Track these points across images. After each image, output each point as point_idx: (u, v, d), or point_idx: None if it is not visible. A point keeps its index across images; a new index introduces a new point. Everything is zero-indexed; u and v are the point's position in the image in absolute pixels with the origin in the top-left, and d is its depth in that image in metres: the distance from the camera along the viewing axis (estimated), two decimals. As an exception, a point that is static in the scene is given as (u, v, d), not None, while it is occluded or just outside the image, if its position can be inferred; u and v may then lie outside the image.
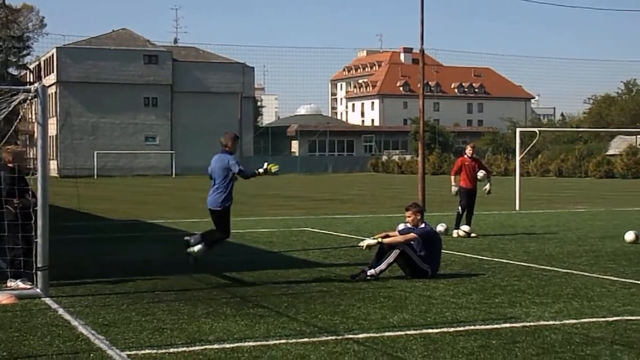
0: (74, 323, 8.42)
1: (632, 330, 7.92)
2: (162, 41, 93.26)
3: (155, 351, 7.21)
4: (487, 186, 18.12)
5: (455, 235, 17.28)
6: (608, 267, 12.43)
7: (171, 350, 7.24)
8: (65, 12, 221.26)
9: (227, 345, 7.38)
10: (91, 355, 7.10)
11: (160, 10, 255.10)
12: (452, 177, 18.00)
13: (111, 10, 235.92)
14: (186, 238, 11.47)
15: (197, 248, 11.02)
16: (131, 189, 47.16)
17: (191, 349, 7.29)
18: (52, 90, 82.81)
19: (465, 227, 17.32)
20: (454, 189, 17.85)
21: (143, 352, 7.19)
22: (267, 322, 8.42)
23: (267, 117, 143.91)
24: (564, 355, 6.97)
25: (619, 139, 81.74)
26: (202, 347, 7.33)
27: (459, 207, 17.69)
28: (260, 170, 11.28)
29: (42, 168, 10.06)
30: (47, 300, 9.69)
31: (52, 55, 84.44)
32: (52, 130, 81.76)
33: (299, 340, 7.56)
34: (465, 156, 17.93)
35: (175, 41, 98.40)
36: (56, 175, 78.46)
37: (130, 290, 10.48)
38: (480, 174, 17.81)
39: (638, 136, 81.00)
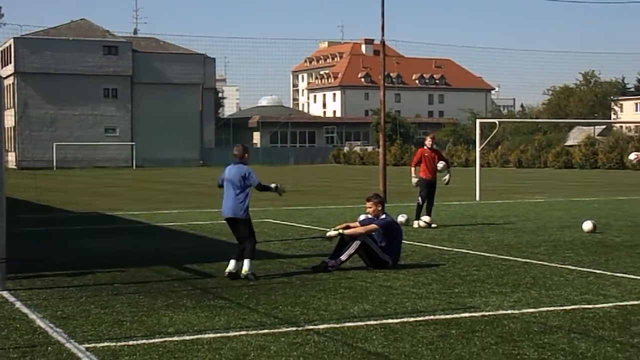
0: (32, 316, 8.33)
1: (588, 319, 8.02)
2: (122, 32, 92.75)
3: (114, 344, 7.15)
4: (447, 177, 18.22)
5: (416, 225, 17.36)
6: (566, 257, 12.56)
7: (130, 342, 7.19)
8: (22, 3, 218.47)
9: (187, 337, 7.34)
10: (49, 348, 7.03)
11: (120, 0, 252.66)
12: (412, 168, 18.07)
13: (69, 0, 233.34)
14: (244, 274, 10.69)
15: (247, 267, 10.66)
16: (91, 180, 46.73)
17: (151, 341, 7.24)
18: (9, 81, 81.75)
19: (426, 218, 17.41)
20: (414, 180, 17.92)
21: (102, 344, 7.14)
22: (227, 313, 8.39)
23: (229, 109, 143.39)
24: (522, 344, 7.03)
25: (577, 130, 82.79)
26: (162, 340, 7.28)
27: (419, 198, 17.78)
28: (273, 186, 11.54)
29: (-2, 160, 9.92)
30: (5, 294, 9.57)
31: (10, 45, 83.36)
32: (10, 121, 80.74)
33: (260, 332, 7.55)
34: (425, 147, 17.99)
35: (135, 32, 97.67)
36: (14, 167, 77.59)
37: (89, 282, 10.39)
38: (440, 165, 17.88)
39: (596, 127, 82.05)
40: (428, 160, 17.76)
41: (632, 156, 16.89)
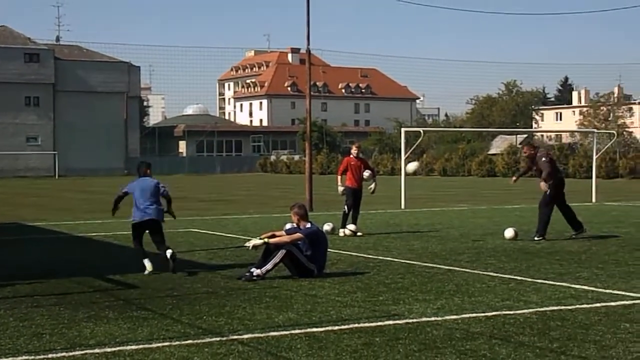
0: (-53, 330, 8.09)
1: (509, 325, 8.15)
2: (44, 39, 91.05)
3: (33, 357, 6.99)
4: (372, 186, 18.31)
5: (341, 234, 17.42)
6: (488, 264, 12.75)
7: (50, 355, 7.04)
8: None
9: (109, 350, 7.23)
10: (-35, 363, 6.84)
11: (42, 7, 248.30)
12: (339, 177, 18.12)
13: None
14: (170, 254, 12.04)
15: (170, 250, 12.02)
16: (12, 190, 45.74)
17: (71, 354, 7.11)
18: None
19: (351, 226, 17.49)
20: (340, 188, 17.97)
21: (20, 358, 6.97)
22: (150, 324, 8.29)
23: (154, 117, 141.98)
24: (444, 351, 7.10)
25: (500, 139, 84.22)
26: (83, 352, 7.15)
27: (345, 207, 17.85)
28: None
29: None
30: None
31: None
32: None
33: (183, 343, 7.47)
34: (352, 156, 18.07)
35: (58, 39, 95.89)
36: None
37: (8, 294, 10.14)
38: (366, 173, 17.98)
39: (518, 136, 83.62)
40: (354, 169, 17.84)
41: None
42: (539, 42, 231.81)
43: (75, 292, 10.35)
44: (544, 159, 16.51)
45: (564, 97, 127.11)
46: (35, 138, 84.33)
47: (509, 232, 16.29)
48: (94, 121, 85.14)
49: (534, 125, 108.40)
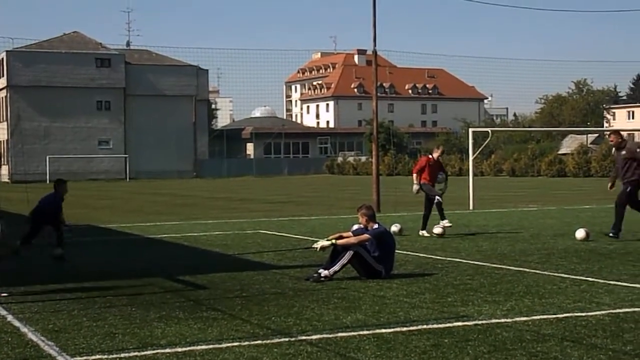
0: (24, 330, 8.29)
1: (581, 327, 8.02)
2: (115, 44, 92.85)
3: (106, 356, 7.13)
4: (442, 186, 18.06)
5: (440, 230, 17.06)
6: (559, 265, 12.57)
7: (122, 355, 7.17)
8: (13, 15, 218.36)
9: (179, 349, 7.32)
10: (41, 361, 7.00)
11: (112, 13, 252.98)
12: (414, 175, 17.89)
13: (62, 13, 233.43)
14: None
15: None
16: (84, 193, 46.66)
17: (143, 353, 7.22)
18: (2, 94, 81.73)
19: (445, 222, 17.21)
20: (415, 187, 17.77)
21: (94, 357, 7.11)
22: (220, 325, 8.37)
23: (222, 120, 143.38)
24: (515, 353, 7.02)
25: (570, 138, 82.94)
26: (154, 352, 7.26)
27: (437, 197, 17.42)
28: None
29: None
30: (-4, 307, 9.54)
31: (2, 58, 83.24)
32: (3, 135, 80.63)
33: (252, 343, 7.53)
34: (431, 157, 17.84)
35: (128, 44, 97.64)
36: (7, 180, 77.46)
37: (82, 295, 10.36)
38: (440, 176, 17.78)
39: (589, 135, 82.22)
40: (432, 169, 17.65)
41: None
42: (610, 40, 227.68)
43: (147, 293, 10.51)
44: (639, 149, 16.09)
45: (636, 96, 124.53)
46: (107, 141, 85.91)
47: (580, 233, 16.03)
48: (163, 124, 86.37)
49: (605, 124, 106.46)
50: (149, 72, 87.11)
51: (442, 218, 17.44)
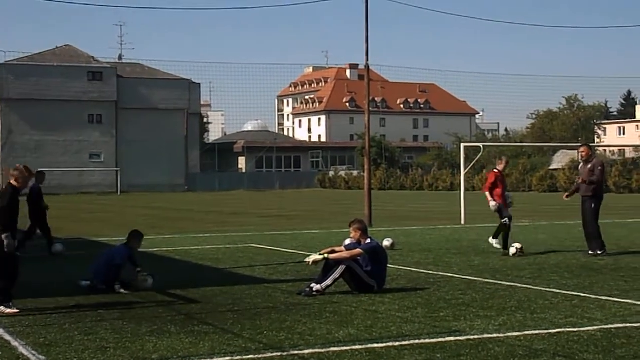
0: (14, 343, 8.26)
1: (573, 342, 8.03)
2: (107, 57, 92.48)
3: (97, 371, 7.10)
4: (509, 201, 17.35)
5: (511, 251, 16.41)
6: (551, 280, 12.59)
7: (114, 369, 7.14)
8: (6, 28, 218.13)
9: (171, 364, 7.31)
10: (32, 376, 6.97)
11: (105, 26, 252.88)
12: (487, 192, 17.07)
13: (54, 26, 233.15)
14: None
15: None
16: (76, 206, 46.56)
17: (134, 367, 7.20)
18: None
19: (517, 244, 16.56)
20: (494, 204, 16.91)
21: (85, 371, 7.09)
22: (212, 339, 8.35)
23: (214, 134, 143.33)
24: (507, 368, 7.02)
25: (561, 154, 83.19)
26: (146, 366, 7.24)
27: (506, 219, 16.86)
28: None
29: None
30: (-13, 321, 9.50)
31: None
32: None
33: (244, 357, 7.52)
34: (497, 170, 17.09)
35: (120, 57, 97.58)
36: (-2, 193, 77.10)
37: (73, 309, 10.33)
38: (509, 199, 17.23)
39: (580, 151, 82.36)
40: (502, 184, 16.98)
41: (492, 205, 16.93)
42: (600, 56, 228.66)
43: (138, 307, 10.48)
44: (600, 167, 16.32)
45: (627, 111, 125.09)
46: (99, 155, 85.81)
47: (513, 249, 16.01)
48: (155, 138, 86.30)
49: (596, 139, 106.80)
50: (141, 86, 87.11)
51: (495, 237, 16.89)
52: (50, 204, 19.30)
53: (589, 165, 16.39)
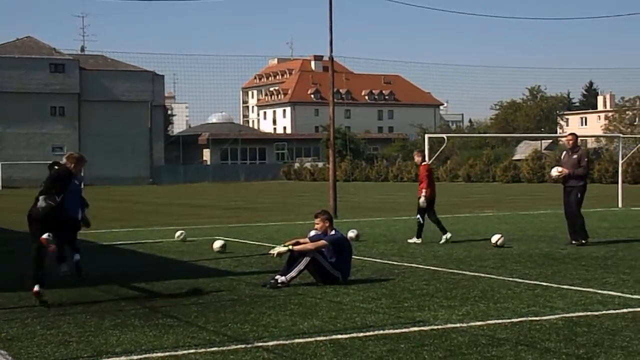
0: (-24, 339, 8.17)
1: (535, 331, 8.11)
2: (69, 49, 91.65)
3: (60, 365, 7.05)
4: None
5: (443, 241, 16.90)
6: (514, 270, 12.69)
7: (77, 363, 7.09)
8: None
9: (135, 357, 7.27)
10: (-7, 371, 6.90)
11: (66, 18, 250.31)
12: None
13: (15, 17, 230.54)
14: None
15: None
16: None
17: (98, 361, 7.15)
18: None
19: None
20: (422, 200, 17.63)
21: (47, 366, 7.03)
22: (176, 332, 8.32)
23: (178, 126, 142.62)
24: (470, 357, 7.08)
25: (524, 144, 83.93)
26: (109, 359, 7.21)
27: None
28: None
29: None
30: (-53, 316, 9.38)
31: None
32: (-45, 141, 79.25)
33: (208, 350, 7.50)
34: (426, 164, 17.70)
35: (82, 49, 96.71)
36: (-41, 187, 76.19)
37: (36, 303, 10.22)
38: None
39: (542, 141, 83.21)
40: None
41: (554, 172, 16.82)
42: (563, 47, 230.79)
43: (101, 300, 10.42)
44: (586, 159, 16.38)
45: (589, 102, 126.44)
46: (61, 147, 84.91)
47: (494, 238, 16.14)
48: (118, 130, 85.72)
49: (559, 130, 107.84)
50: (104, 78, 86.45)
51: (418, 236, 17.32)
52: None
53: (575, 156, 16.28)
